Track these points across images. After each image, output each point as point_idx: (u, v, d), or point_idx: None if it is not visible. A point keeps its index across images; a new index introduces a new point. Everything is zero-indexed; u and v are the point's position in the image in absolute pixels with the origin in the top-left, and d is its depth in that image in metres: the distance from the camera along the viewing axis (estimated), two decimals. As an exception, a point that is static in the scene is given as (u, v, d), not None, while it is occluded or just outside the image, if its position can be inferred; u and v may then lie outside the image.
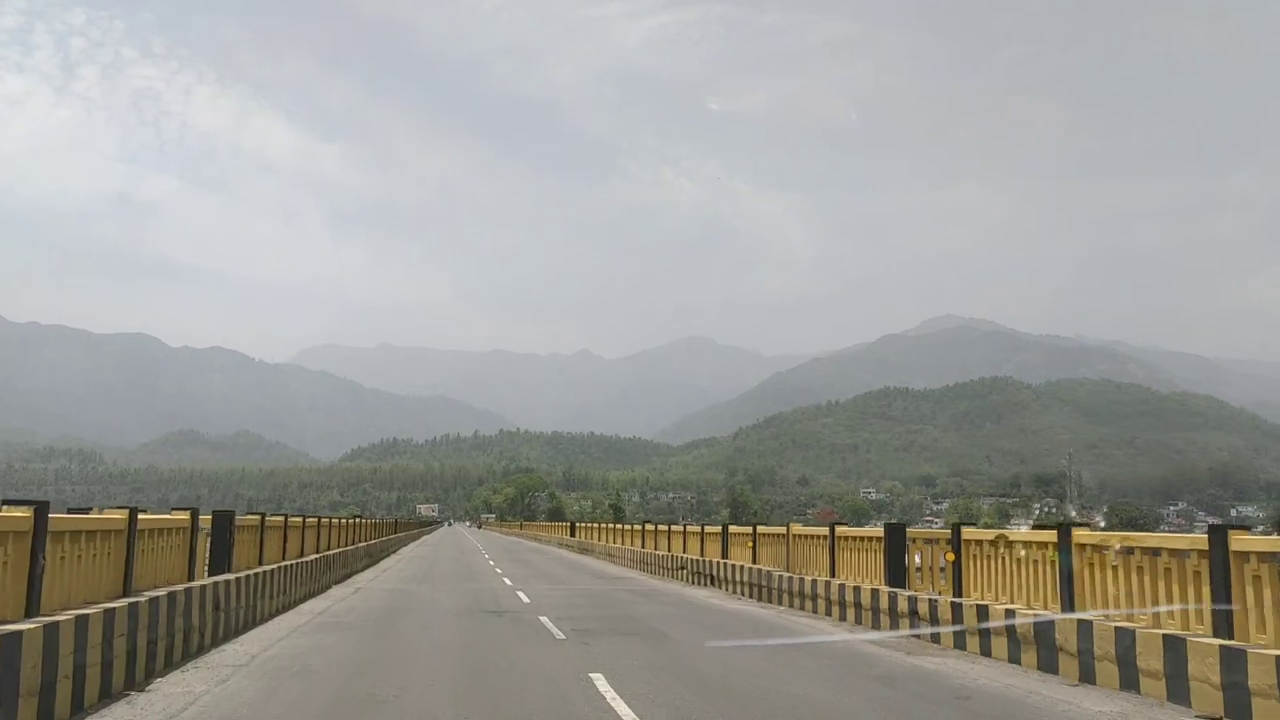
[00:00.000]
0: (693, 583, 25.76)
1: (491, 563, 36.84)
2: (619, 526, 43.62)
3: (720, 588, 23.45)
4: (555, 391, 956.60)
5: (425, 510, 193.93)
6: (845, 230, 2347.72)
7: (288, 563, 18.54)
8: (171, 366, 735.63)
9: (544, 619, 16.15)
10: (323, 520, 26.02)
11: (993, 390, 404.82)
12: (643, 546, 34.45)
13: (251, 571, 15.21)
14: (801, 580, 18.62)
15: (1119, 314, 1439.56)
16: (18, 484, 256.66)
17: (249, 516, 17.27)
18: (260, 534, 17.31)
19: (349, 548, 28.69)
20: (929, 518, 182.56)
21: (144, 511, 10.85)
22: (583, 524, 64.25)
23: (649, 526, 35.10)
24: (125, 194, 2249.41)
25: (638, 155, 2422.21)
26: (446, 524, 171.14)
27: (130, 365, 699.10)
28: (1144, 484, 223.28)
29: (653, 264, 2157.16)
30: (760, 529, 22.98)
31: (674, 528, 32.14)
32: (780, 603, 19.52)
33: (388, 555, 41.50)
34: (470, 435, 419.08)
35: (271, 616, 16.13)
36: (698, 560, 26.10)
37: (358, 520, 33.17)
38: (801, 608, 18.37)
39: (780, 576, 19.80)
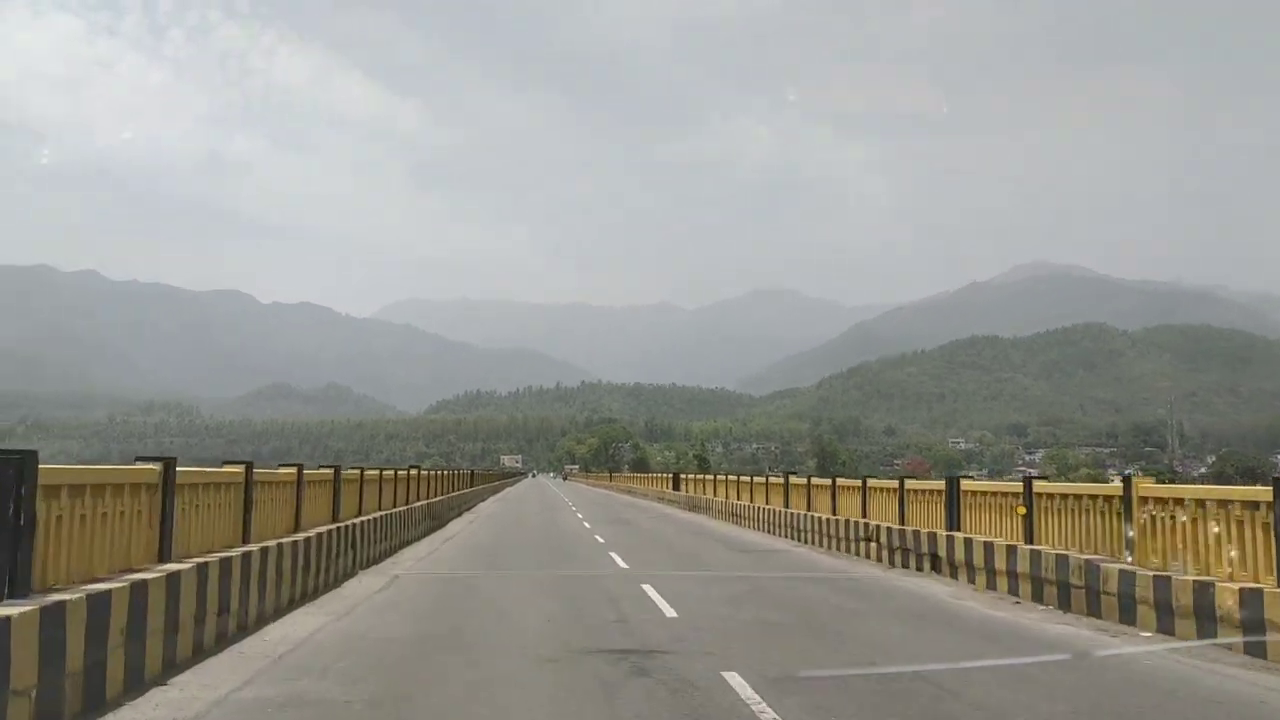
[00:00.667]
0: (895, 564, 18.46)
1: (588, 525, 30.24)
2: (741, 479, 35.46)
3: (960, 579, 15.68)
4: (635, 343, 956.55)
5: (509, 461, 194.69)
6: (928, 177, 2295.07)
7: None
8: (263, 322, 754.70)
9: (733, 678, 8.01)
10: (347, 475, 18.13)
11: (1085, 337, 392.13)
12: (785, 505, 27.21)
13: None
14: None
15: (1217, 257, 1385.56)
16: (119, 436, 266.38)
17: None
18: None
19: (392, 510, 21.24)
20: (1021, 467, 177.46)
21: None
22: (690, 475, 54.37)
23: (795, 480, 27.86)
24: (215, 153, 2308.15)
25: (715, 104, 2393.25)
26: (530, 475, 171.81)
27: (224, 321, 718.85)
28: (1248, 432, 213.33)
29: (731, 214, 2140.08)
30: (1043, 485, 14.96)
31: (845, 482, 24.33)
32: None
33: (458, 513, 35.14)
34: (552, 387, 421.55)
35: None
36: (899, 531, 18.66)
37: (415, 471, 26.78)
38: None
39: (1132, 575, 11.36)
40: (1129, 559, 11.84)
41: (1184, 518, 11.04)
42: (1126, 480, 12.42)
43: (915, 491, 19.28)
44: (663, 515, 38.75)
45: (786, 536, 25.80)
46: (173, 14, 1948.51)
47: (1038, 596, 13.17)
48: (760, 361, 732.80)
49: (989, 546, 14.78)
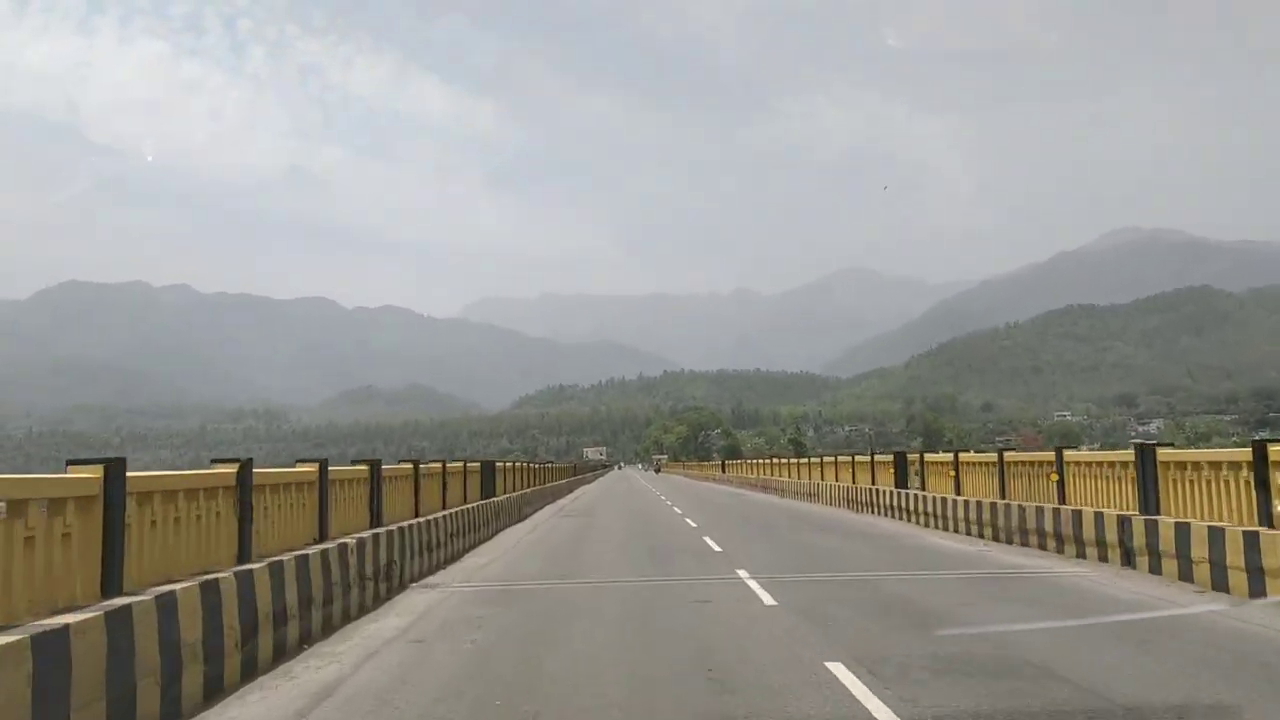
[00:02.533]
0: (1064, 554, 14.97)
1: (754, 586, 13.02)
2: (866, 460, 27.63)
3: (1170, 575, 12.30)
4: (716, 331, 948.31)
5: (592, 453, 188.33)
6: (1008, 148, 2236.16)
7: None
8: (347, 327, 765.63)
9: None
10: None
11: (1188, 301, 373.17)
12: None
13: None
14: None
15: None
16: (210, 444, 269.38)
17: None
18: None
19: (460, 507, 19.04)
20: (1135, 439, 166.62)
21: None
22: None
23: (930, 458, 22.90)
24: (297, 165, 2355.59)
25: (787, 89, 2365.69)
26: (617, 467, 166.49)
27: (309, 328, 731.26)
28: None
29: (808, 197, 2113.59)
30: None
31: (975, 458, 20.62)
32: None
33: (508, 525, 24.75)
34: (635, 378, 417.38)
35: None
36: (1070, 514, 14.88)
37: (455, 466, 20.28)
38: None
39: None
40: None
41: None
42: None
43: (1080, 465, 16.00)
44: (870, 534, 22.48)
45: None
46: (253, 31, 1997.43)
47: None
48: (843, 343, 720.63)
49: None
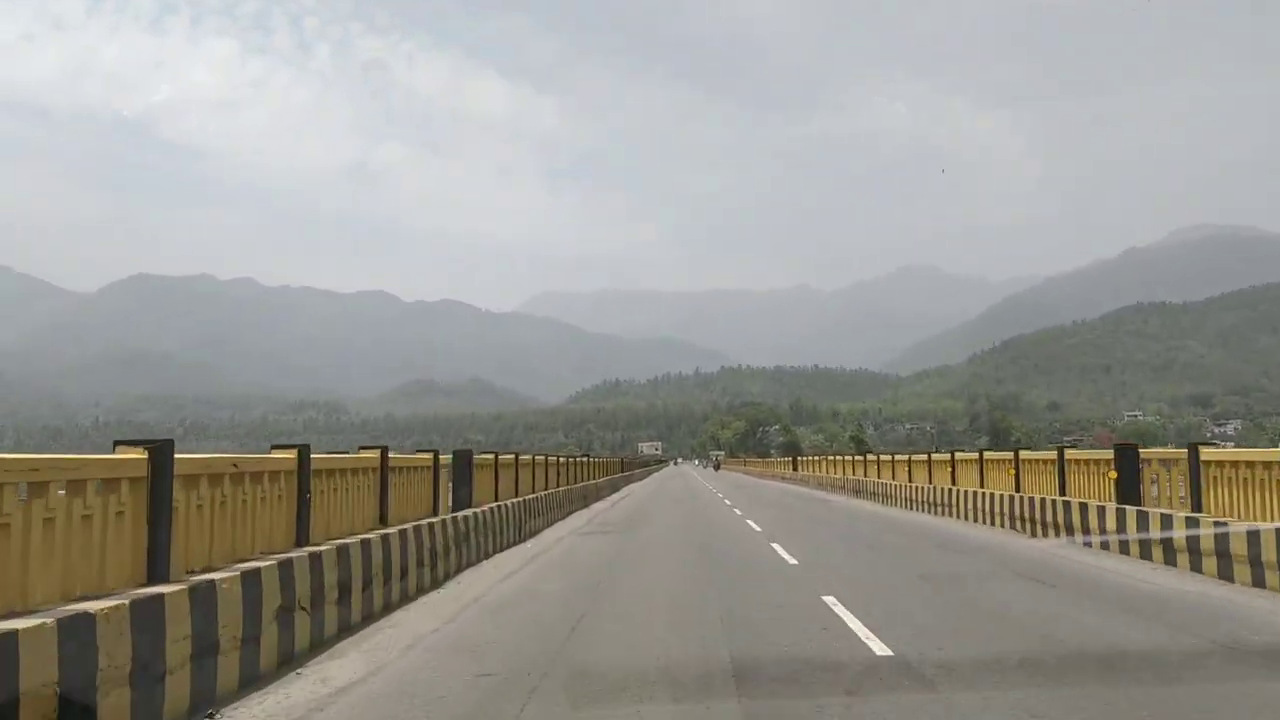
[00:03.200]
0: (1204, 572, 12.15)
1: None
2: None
3: None
4: (774, 327, 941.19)
5: (647, 448, 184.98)
6: (1073, 142, 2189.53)
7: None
8: (406, 320, 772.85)
9: None
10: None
11: (1264, 299, 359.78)
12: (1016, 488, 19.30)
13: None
14: None
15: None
16: (271, 434, 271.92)
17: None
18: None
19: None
20: (1214, 440, 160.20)
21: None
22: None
23: (1028, 455, 19.84)
24: (360, 161, 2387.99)
25: (848, 82, 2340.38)
26: (673, 462, 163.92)
27: (370, 321, 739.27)
28: None
29: (867, 193, 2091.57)
30: None
31: (1078, 455, 17.87)
32: None
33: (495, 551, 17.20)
34: (692, 373, 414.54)
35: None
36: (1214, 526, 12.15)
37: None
38: None
39: None
40: None
41: None
42: None
43: (1219, 464, 12.88)
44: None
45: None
46: (318, 30, 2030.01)
47: None
48: (903, 341, 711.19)
49: None
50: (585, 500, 31.22)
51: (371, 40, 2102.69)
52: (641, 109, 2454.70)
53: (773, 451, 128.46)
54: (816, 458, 59.67)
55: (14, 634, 4.61)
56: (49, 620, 4.88)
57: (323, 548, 8.68)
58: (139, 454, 6.43)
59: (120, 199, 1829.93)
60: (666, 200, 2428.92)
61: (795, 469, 59.52)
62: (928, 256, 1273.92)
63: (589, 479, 35.11)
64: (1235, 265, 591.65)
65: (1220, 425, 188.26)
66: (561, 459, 29.02)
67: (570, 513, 27.17)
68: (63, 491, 5.74)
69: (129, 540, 6.31)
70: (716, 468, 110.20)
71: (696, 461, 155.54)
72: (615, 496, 39.50)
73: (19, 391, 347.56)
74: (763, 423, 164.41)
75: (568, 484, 28.63)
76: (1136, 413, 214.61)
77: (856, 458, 41.60)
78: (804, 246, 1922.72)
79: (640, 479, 67.85)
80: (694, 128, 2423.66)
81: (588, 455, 42.78)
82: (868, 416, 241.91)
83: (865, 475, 36.23)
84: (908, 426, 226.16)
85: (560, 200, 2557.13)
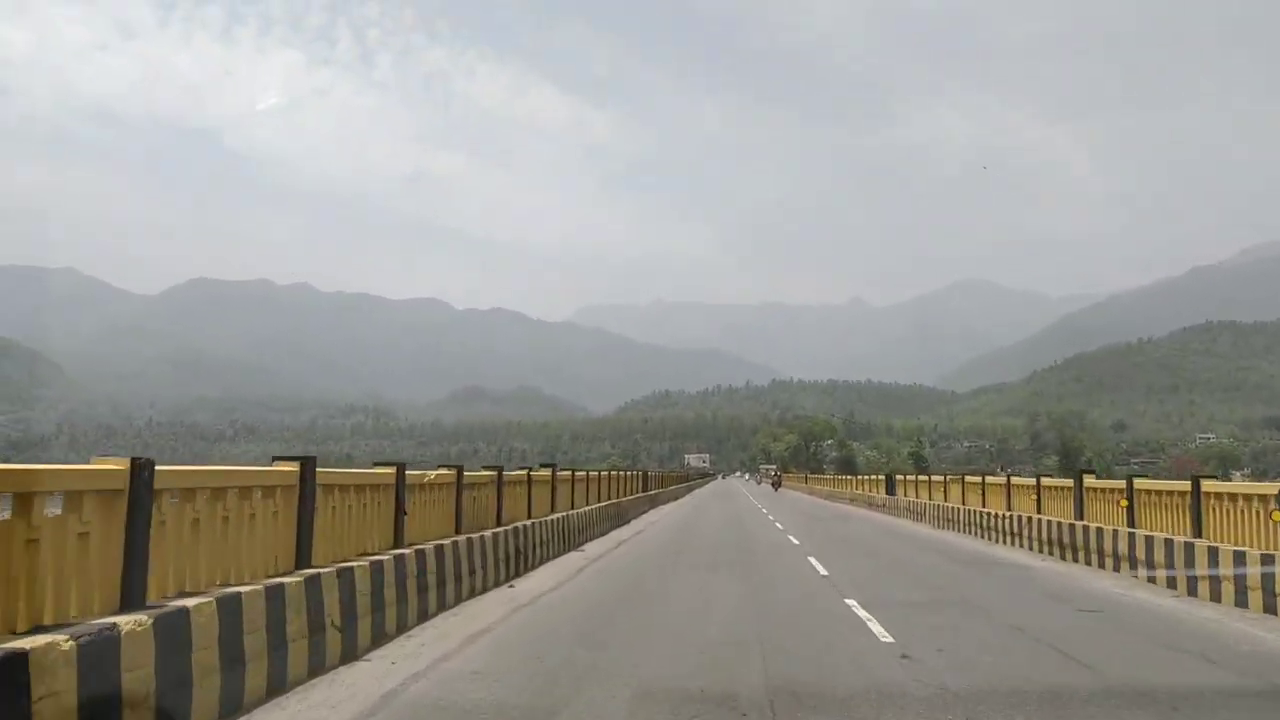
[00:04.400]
0: None
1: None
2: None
3: None
4: (827, 342, 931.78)
5: (695, 460, 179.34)
6: (1138, 157, 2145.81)
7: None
8: (458, 328, 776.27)
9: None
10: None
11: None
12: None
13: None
14: None
15: None
16: (319, 438, 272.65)
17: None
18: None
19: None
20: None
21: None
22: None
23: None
24: (419, 171, 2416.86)
25: (906, 95, 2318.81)
26: (720, 476, 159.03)
27: (422, 328, 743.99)
28: None
29: (924, 206, 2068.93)
30: None
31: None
32: None
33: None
34: (742, 385, 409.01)
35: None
36: None
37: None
38: None
39: None
40: None
41: None
42: None
43: None
44: None
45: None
46: (381, 40, 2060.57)
47: None
48: (959, 357, 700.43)
49: None
50: (569, 540, 19.39)
51: (433, 51, 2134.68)
52: (697, 119, 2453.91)
53: (826, 467, 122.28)
54: (908, 478, 41.68)
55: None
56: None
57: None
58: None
59: (184, 204, 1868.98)
60: (721, 211, 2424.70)
61: (889, 491, 40.24)
62: (985, 271, 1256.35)
63: (585, 504, 23.67)
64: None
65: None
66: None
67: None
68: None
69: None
70: (776, 485, 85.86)
71: (745, 476, 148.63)
72: (631, 528, 26.62)
73: (80, 392, 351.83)
74: (817, 437, 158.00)
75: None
76: (1209, 435, 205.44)
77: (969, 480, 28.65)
78: (858, 260, 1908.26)
79: (676, 497, 53.90)
80: (750, 138, 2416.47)
81: (649, 468, 40.74)
82: (923, 433, 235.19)
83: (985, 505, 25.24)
84: (965, 444, 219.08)
85: (614, 210, 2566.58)
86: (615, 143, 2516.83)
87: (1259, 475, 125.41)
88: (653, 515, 34.25)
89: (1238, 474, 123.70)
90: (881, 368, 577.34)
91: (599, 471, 28.24)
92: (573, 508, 21.18)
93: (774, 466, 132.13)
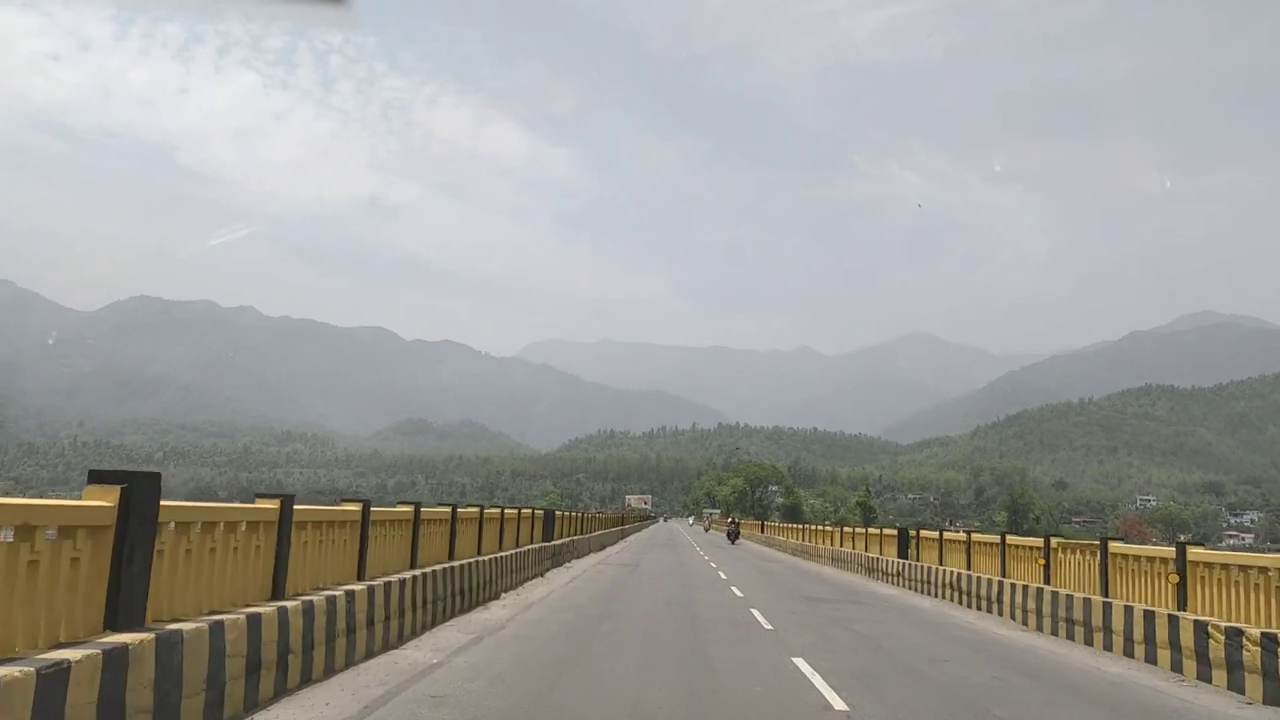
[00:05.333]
0: None
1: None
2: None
3: None
4: (775, 388, 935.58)
5: (636, 502, 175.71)
6: (1082, 224, 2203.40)
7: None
8: (404, 359, 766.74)
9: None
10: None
11: (1275, 389, 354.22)
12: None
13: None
14: None
15: None
16: (252, 464, 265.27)
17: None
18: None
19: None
20: (1231, 533, 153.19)
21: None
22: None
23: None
24: (375, 198, 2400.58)
25: (860, 150, 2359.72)
26: (661, 519, 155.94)
27: (368, 357, 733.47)
28: None
29: (875, 260, 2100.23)
30: None
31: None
32: None
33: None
34: (688, 428, 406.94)
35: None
36: None
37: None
38: None
39: None
40: None
41: None
42: None
43: None
44: None
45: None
46: (342, 68, 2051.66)
47: None
48: (904, 409, 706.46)
49: None
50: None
51: (394, 80, 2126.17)
52: (655, 163, 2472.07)
53: (773, 514, 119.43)
54: (921, 533, 28.44)
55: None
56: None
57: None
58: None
59: (132, 221, 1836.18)
60: (674, 254, 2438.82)
61: (902, 553, 27.81)
62: (931, 326, 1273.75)
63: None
64: (1240, 354, 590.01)
65: (1236, 515, 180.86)
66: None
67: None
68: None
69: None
70: (733, 536, 62.14)
71: (690, 520, 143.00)
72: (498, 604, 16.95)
73: (4, 407, 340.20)
74: (764, 481, 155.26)
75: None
76: (1149, 497, 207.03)
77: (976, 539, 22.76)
78: (810, 309, 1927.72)
79: (605, 545, 43.70)
80: (706, 184, 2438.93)
81: (590, 509, 34.72)
82: (868, 483, 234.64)
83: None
84: (911, 496, 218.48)
85: (568, 249, 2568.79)
86: (571, 181, 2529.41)
87: (1203, 541, 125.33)
88: (536, 590, 20.10)
89: (1182, 537, 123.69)
90: (827, 416, 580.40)
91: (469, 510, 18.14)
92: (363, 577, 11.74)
93: (718, 511, 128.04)
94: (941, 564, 23.66)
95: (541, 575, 23.80)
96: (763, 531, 68.86)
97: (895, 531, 29.44)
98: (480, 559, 17.07)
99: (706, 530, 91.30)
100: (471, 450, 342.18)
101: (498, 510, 21.06)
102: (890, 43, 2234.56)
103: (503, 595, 18.47)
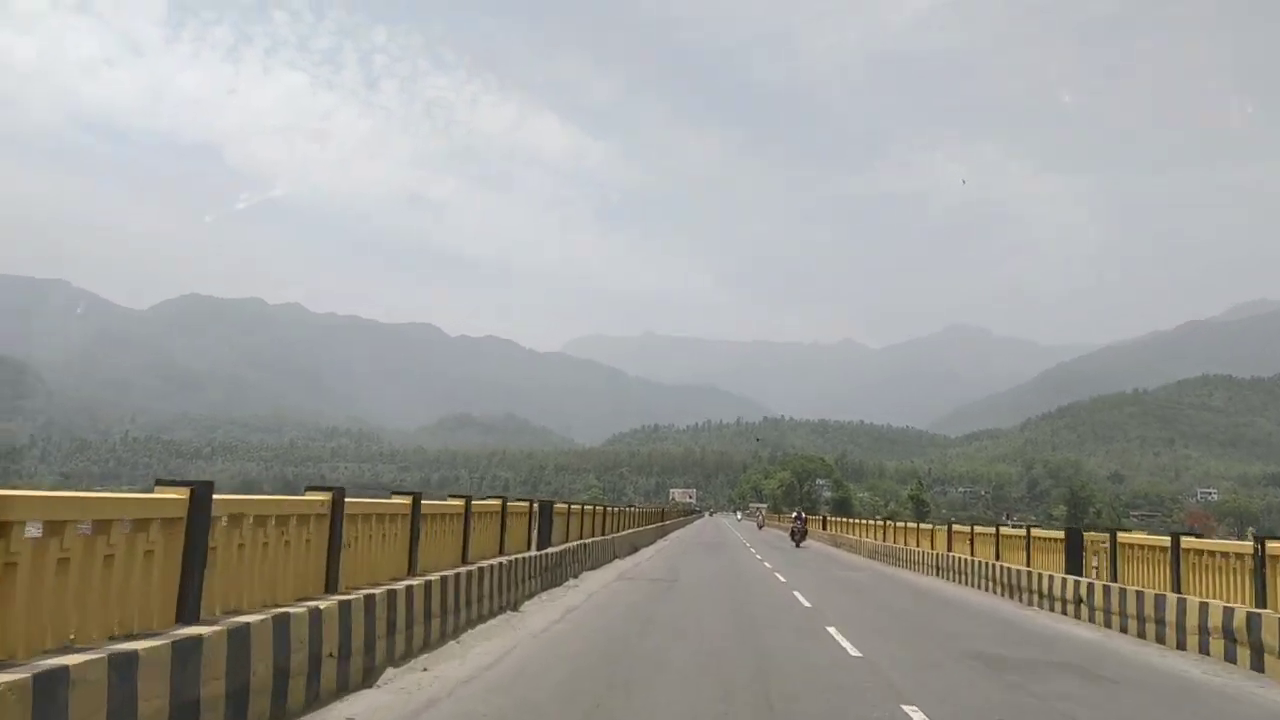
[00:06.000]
0: None
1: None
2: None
3: None
4: (819, 381, 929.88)
5: (681, 496, 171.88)
6: (1133, 213, 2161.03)
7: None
8: (449, 354, 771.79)
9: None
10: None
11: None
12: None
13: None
14: None
15: None
16: (298, 459, 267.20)
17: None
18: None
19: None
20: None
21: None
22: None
23: None
24: (417, 195, 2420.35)
25: (904, 139, 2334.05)
26: (707, 513, 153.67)
27: (413, 352, 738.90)
28: None
29: (919, 251, 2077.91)
30: None
31: None
32: None
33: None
34: (732, 422, 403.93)
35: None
36: None
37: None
38: None
39: None
40: None
41: None
42: None
43: None
44: None
45: None
46: (386, 67, 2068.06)
47: None
48: (951, 402, 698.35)
49: None
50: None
51: (437, 78, 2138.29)
52: (696, 154, 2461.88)
53: (821, 508, 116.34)
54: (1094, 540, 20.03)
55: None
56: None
57: None
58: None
59: (182, 220, 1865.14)
60: (717, 247, 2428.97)
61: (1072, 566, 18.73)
62: (977, 318, 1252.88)
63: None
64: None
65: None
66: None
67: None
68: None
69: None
70: (799, 536, 49.53)
71: (739, 515, 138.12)
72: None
73: (60, 403, 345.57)
74: (813, 475, 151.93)
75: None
76: (1210, 490, 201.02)
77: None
78: (853, 301, 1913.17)
79: (639, 548, 35.19)
80: (751, 176, 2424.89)
81: (635, 504, 29.75)
82: (916, 477, 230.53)
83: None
84: (961, 490, 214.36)
85: (610, 243, 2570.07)
86: (612, 174, 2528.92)
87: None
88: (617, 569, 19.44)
89: (1252, 531, 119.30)
90: (873, 409, 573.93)
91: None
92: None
93: (765, 505, 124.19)
94: (1178, 591, 14.07)
95: (515, 609, 14.39)
96: (825, 528, 60.03)
97: (1059, 534, 19.56)
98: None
99: (760, 527, 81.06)
100: (515, 445, 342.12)
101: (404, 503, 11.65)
102: (930, 30, 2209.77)
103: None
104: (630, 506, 53.12)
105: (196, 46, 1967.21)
